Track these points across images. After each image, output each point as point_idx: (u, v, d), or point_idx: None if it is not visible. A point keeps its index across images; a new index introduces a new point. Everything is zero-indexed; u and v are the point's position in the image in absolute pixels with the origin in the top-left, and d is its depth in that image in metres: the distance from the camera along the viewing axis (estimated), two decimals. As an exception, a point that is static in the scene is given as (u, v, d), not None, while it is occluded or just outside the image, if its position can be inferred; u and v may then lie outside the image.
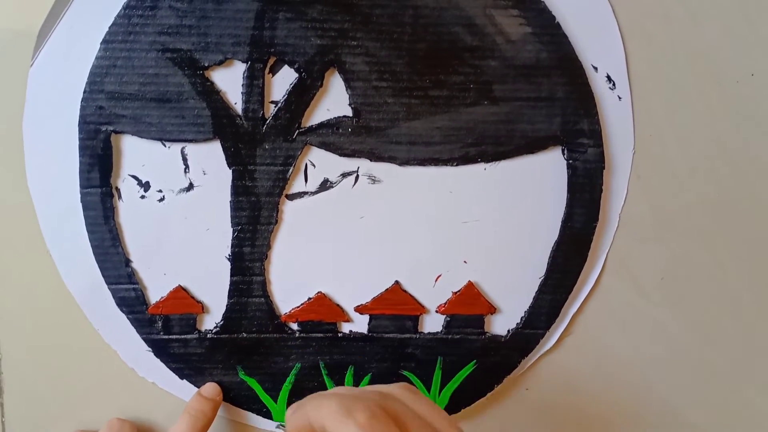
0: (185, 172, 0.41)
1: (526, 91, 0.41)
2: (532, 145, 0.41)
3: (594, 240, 0.43)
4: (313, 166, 0.41)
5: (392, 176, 0.42)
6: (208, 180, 0.41)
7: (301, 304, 0.43)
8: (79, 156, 0.40)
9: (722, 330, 0.45)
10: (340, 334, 0.43)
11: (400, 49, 0.40)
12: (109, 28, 0.38)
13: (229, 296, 0.42)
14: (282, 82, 0.40)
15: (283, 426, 0.43)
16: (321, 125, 0.41)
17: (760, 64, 0.42)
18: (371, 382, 0.43)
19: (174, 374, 0.43)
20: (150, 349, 0.42)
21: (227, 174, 0.41)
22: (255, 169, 0.41)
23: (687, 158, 0.43)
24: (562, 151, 0.42)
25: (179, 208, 0.41)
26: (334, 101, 0.40)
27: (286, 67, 0.40)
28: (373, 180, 0.42)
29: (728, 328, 0.45)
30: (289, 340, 0.43)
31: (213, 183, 0.41)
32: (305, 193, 0.42)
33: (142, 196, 0.41)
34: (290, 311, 0.43)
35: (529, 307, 0.43)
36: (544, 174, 0.42)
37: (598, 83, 0.41)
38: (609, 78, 0.41)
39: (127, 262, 0.41)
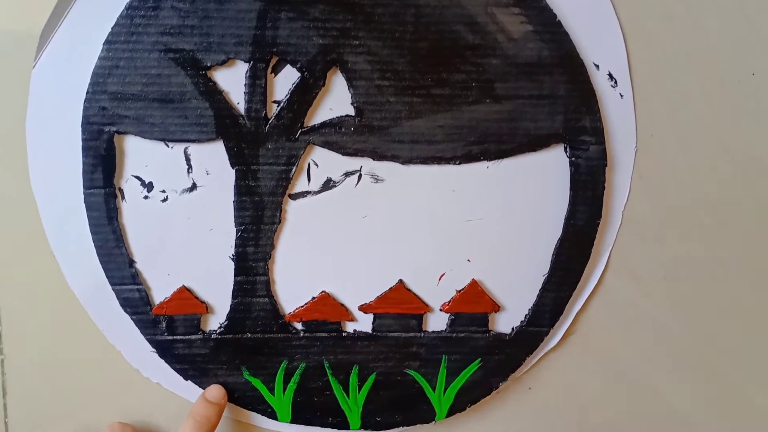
0: (188, 172, 0.41)
1: (528, 89, 0.41)
2: (535, 143, 0.42)
3: (597, 238, 0.43)
4: (316, 165, 0.41)
5: (395, 175, 0.42)
6: (211, 180, 0.41)
7: (305, 304, 0.43)
8: (83, 157, 0.40)
9: (724, 329, 0.45)
10: (344, 334, 0.43)
11: (402, 48, 0.40)
12: (112, 28, 0.38)
13: (233, 296, 0.42)
14: (284, 81, 0.40)
15: None
16: (323, 124, 0.41)
17: (762, 63, 0.42)
18: (376, 382, 0.43)
19: (178, 375, 0.43)
20: (154, 349, 0.42)
21: (230, 174, 0.41)
22: (258, 168, 0.41)
23: (688, 156, 0.43)
24: (565, 148, 0.42)
25: (182, 208, 0.41)
26: (336, 100, 0.40)
27: (288, 66, 0.40)
28: (376, 179, 0.42)
29: (730, 327, 0.45)
30: (293, 340, 0.43)
31: (216, 183, 0.41)
32: (308, 192, 0.42)
33: (146, 197, 0.41)
34: (294, 311, 0.43)
35: (533, 304, 0.43)
36: (547, 172, 0.42)
37: (599, 81, 0.41)
38: (611, 76, 0.41)
39: (131, 262, 0.41)
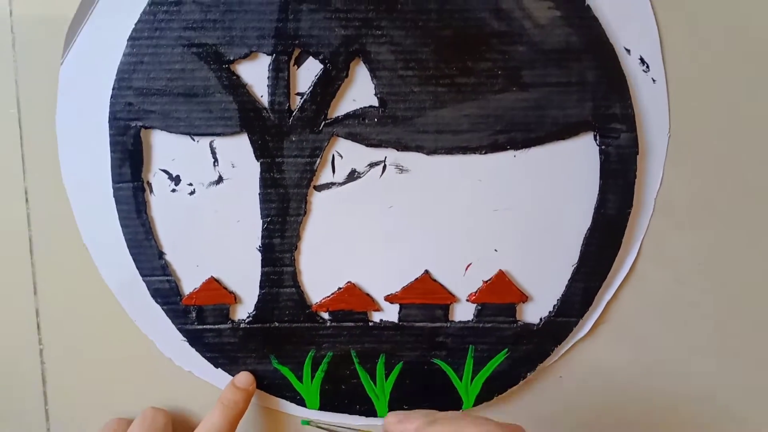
0: (214, 165, 0.41)
1: (556, 76, 0.40)
2: (563, 131, 0.41)
3: (628, 226, 0.42)
4: (341, 156, 0.41)
5: (420, 165, 0.41)
6: (237, 173, 0.41)
7: (332, 294, 0.43)
8: (111, 152, 0.40)
9: (762, 315, 0.44)
10: (370, 323, 0.43)
11: (426, 36, 0.39)
12: (135, 25, 0.39)
13: (261, 287, 0.43)
14: (307, 73, 0.40)
15: (308, 423, 0.43)
16: (347, 116, 0.40)
17: (805, 39, 0.40)
18: (402, 370, 0.43)
19: (209, 363, 0.44)
20: (185, 338, 0.43)
21: (255, 166, 0.41)
22: (282, 161, 0.41)
23: (724, 141, 0.42)
24: (594, 136, 0.41)
25: (209, 201, 0.41)
26: (359, 91, 0.40)
27: (311, 58, 0.40)
28: (401, 170, 0.41)
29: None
30: (320, 329, 0.43)
31: (242, 176, 0.41)
32: (333, 184, 0.42)
33: (173, 190, 0.41)
34: (321, 301, 0.43)
35: (562, 295, 0.43)
36: (576, 160, 0.41)
37: (630, 66, 0.40)
38: (642, 60, 0.40)
39: (161, 254, 0.42)
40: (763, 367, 0.45)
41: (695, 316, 0.44)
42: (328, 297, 0.43)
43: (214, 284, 0.43)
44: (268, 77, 0.40)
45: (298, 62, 0.40)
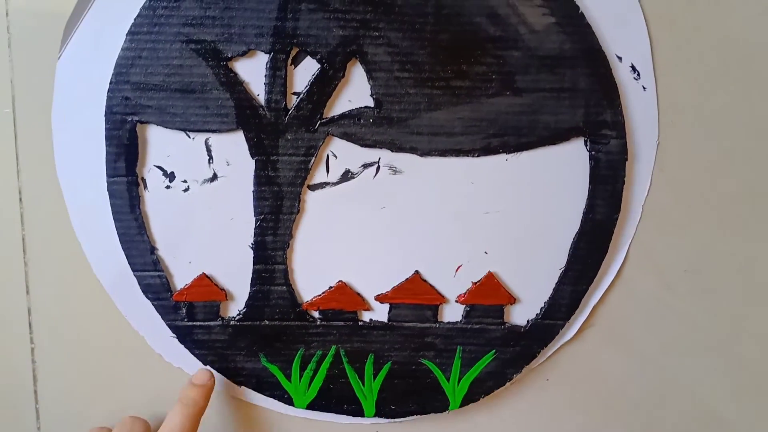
0: (209, 162, 0.41)
1: (549, 81, 0.40)
2: (555, 137, 0.41)
3: (616, 231, 0.43)
4: (335, 156, 0.42)
5: (413, 167, 0.42)
6: (231, 170, 0.41)
7: (323, 293, 0.43)
8: (106, 146, 0.40)
9: (749, 321, 0.45)
10: (360, 323, 0.44)
11: (423, 39, 0.40)
12: (135, 19, 0.39)
13: (252, 284, 0.43)
14: (304, 73, 0.40)
15: None
16: (343, 116, 0.41)
17: (790, 54, 0.42)
18: (391, 370, 0.44)
19: (198, 360, 0.44)
20: (174, 335, 0.43)
21: (250, 164, 0.41)
22: (277, 159, 0.41)
23: (713, 149, 0.43)
24: (585, 142, 0.41)
25: (203, 197, 0.42)
26: (355, 92, 0.41)
27: (308, 58, 0.40)
28: (395, 171, 0.42)
29: (755, 319, 0.45)
30: (310, 328, 0.43)
31: (236, 173, 0.41)
32: (327, 183, 0.42)
33: (168, 186, 0.41)
34: (312, 299, 0.43)
35: (549, 297, 0.43)
36: (566, 165, 0.42)
37: (622, 73, 0.41)
38: (633, 68, 0.41)
39: (153, 249, 0.42)
40: (749, 370, 0.46)
41: (681, 320, 0.45)
42: (319, 296, 0.43)
43: (205, 281, 0.43)
44: (266, 75, 0.40)
45: (296, 61, 0.40)
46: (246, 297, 0.43)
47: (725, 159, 0.43)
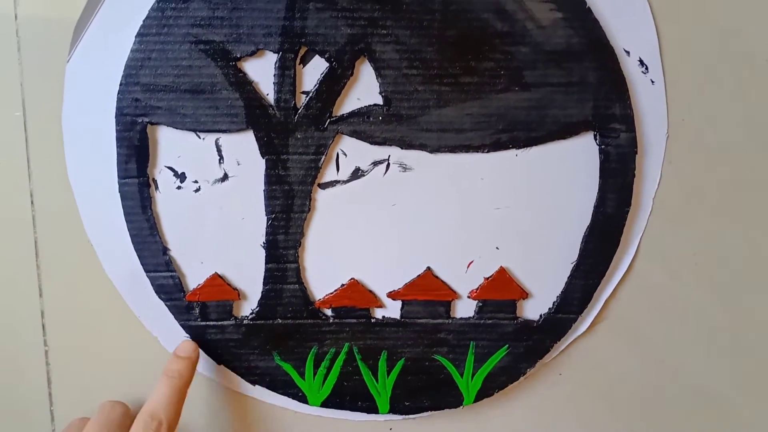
0: (220, 162, 0.41)
1: (557, 76, 0.40)
2: (564, 131, 0.41)
3: (627, 225, 0.43)
4: (345, 154, 0.42)
5: (423, 164, 0.42)
6: (242, 170, 0.41)
7: (335, 291, 0.43)
8: (117, 147, 0.41)
9: (758, 311, 0.45)
10: (373, 320, 0.44)
11: (430, 36, 0.40)
12: (144, 21, 0.39)
13: (265, 283, 0.43)
14: (313, 71, 0.40)
15: None
16: (352, 114, 0.41)
17: (797, 45, 0.42)
18: (404, 367, 0.44)
19: (212, 359, 0.44)
20: (188, 335, 0.43)
21: (261, 163, 0.41)
22: (288, 158, 0.41)
23: (721, 141, 0.43)
24: (594, 136, 0.41)
25: (214, 197, 0.42)
26: (364, 90, 0.41)
27: (317, 56, 0.40)
28: (405, 168, 0.42)
29: (763, 310, 0.45)
30: (323, 326, 0.44)
31: (247, 173, 0.41)
32: (337, 181, 0.42)
33: (179, 187, 0.42)
34: (324, 297, 0.43)
35: (561, 292, 0.43)
36: (576, 159, 0.42)
37: (630, 67, 0.41)
38: (641, 62, 0.41)
39: (165, 250, 0.42)
40: (760, 364, 0.46)
41: (692, 313, 0.45)
42: (332, 294, 0.43)
43: (218, 280, 0.43)
44: (275, 75, 0.40)
45: (304, 60, 0.40)
46: (258, 296, 0.43)
47: (735, 151, 0.43)
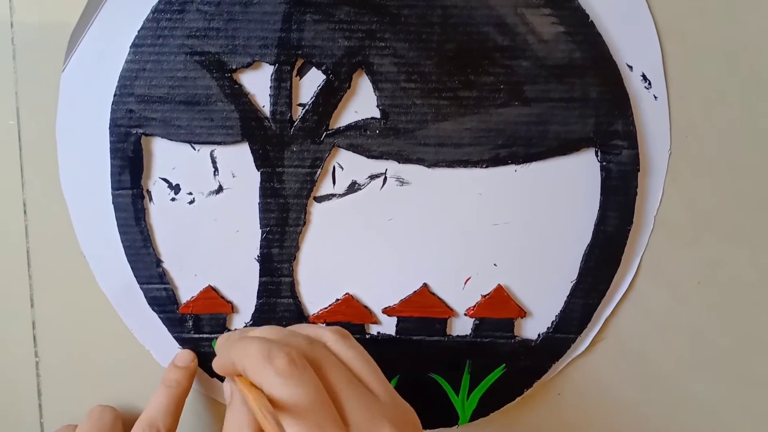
0: (214, 174, 0.41)
1: (558, 91, 0.40)
2: (565, 147, 0.41)
3: (628, 243, 0.42)
4: (341, 168, 0.41)
5: (421, 178, 0.41)
6: (237, 182, 0.41)
7: (329, 306, 0.43)
8: (111, 158, 0.40)
9: (761, 335, 0.44)
10: (367, 336, 0.43)
11: (429, 49, 0.39)
12: (138, 32, 0.39)
13: (258, 296, 0.42)
14: (309, 84, 0.40)
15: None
16: (349, 127, 0.40)
17: (803, 60, 0.41)
18: (399, 385, 0.43)
19: (205, 373, 0.43)
20: (181, 347, 0.43)
21: (256, 176, 0.41)
22: (283, 171, 0.41)
23: (725, 159, 0.42)
24: (596, 152, 0.41)
25: (209, 210, 0.41)
26: (361, 103, 0.40)
27: (313, 69, 0.39)
28: (402, 182, 0.41)
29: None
30: (317, 341, 0.43)
31: (242, 185, 0.41)
32: (333, 195, 0.41)
33: (173, 199, 0.41)
34: (318, 312, 0.43)
35: (561, 311, 0.43)
36: (577, 176, 0.41)
37: (633, 83, 0.40)
38: (644, 77, 0.40)
39: (158, 262, 0.42)
40: (762, 386, 0.45)
41: (694, 335, 0.44)
42: (326, 308, 0.43)
43: (211, 293, 0.42)
44: (271, 87, 0.40)
45: (301, 72, 0.40)
46: (252, 309, 0.43)
47: (739, 169, 0.42)
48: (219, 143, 0.40)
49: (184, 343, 0.43)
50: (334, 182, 0.41)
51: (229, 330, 0.43)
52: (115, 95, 0.39)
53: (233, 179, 0.41)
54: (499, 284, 0.42)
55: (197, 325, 0.43)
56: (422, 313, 0.43)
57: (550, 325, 0.43)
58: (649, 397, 0.45)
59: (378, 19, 0.39)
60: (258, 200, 0.41)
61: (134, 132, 0.40)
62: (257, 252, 0.42)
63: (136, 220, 0.41)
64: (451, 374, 0.43)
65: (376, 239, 0.42)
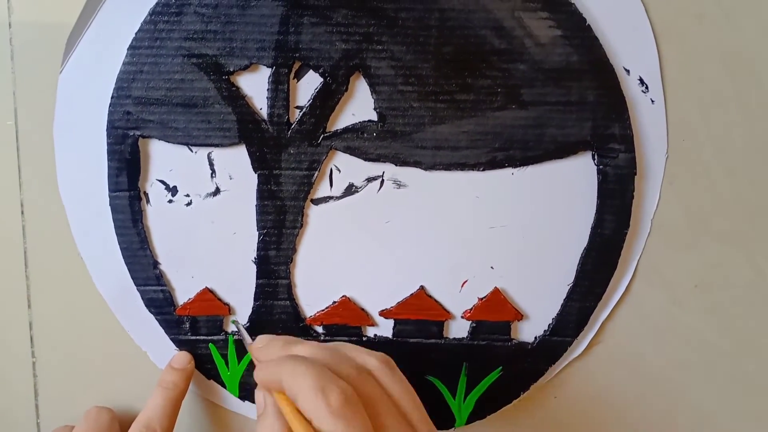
0: (212, 176, 0.41)
1: (555, 95, 0.40)
2: (562, 150, 0.41)
3: (624, 247, 0.42)
4: (338, 170, 0.41)
5: (418, 181, 0.41)
6: (234, 184, 0.41)
7: (326, 308, 0.43)
8: (108, 160, 0.40)
9: (758, 337, 0.44)
10: (364, 338, 0.43)
11: (426, 52, 0.39)
12: (136, 34, 0.39)
13: (255, 299, 0.42)
14: (307, 86, 0.40)
15: (236, 322, 0.42)
16: (346, 130, 0.40)
17: (801, 64, 0.41)
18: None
19: (202, 374, 0.43)
20: (178, 349, 0.43)
21: (253, 178, 0.41)
22: (280, 173, 0.41)
23: (722, 163, 0.42)
24: (593, 156, 0.41)
25: (206, 212, 0.41)
26: (359, 106, 0.40)
27: (311, 71, 0.40)
28: (399, 185, 0.41)
29: (765, 336, 0.44)
30: (314, 344, 0.43)
31: (239, 187, 0.41)
32: (330, 197, 0.41)
33: (170, 201, 0.41)
34: (315, 314, 0.43)
35: (557, 314, 0.43)
36: (574, 179, 0.41)
37: (630, 86, 0.40)
38: (642, 81, 0.40)
39: (156, 264, 0.42)
40: (759, 389, 0.45)
41: (691, 338, 0.44)
42: (323, 311, 0.43)
43: (208, 295, 0.42)
44: (268, 89, 0.40)
45: (298, 75, 0.40)
46: (249, 312, 0.43)
47: (736, 172, 0.42)
48: (216, 145, 0.40)
49: (180, 344, 0.43)
50: (331, 185, 0.41)
51: (225, 332, 0.43)
52: (112, 97, 0.39)
53: (230, 181, 0.41)
54: (495, 287, 0.42)
55: (194, 326, 0.43)
56: (419, 316, 0.43)
57: (546, 328, 0.43)
58: (645, 400, 0.45)
59: (375, 22, 0.39)
60: (255, 202, 0.41)
61: (131, 134, 0.40)
62: (254, 254, 0.42)
63: (134, 221, 0.41)
64: (448, 377, 0.43)
65: (373, 242, 0.42)
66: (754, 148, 0.42)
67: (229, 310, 0.43)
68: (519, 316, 0.43)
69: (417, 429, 0.32)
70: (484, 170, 0.41)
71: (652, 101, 0.40)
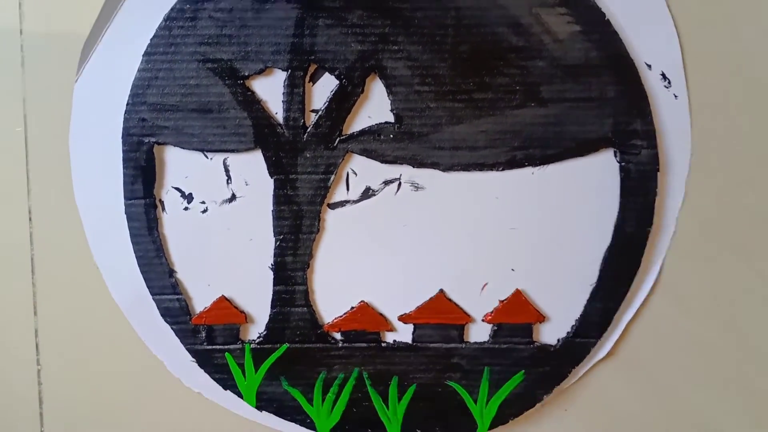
0: (228, 183, 0.40)
1: (575, 91, 0.39)
2: (582, 148, 0.40)
3: (648, 245, 0.41)
4: (355, 174, 0.41)
5: (436, 182, 0.41)
6: (250, 190, 0.41)
7: (344, 314, 0.42)
8: (123, 168, 0.40)
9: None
10: (383, 344, 0.42)
11: (443, 51, 0.39)
12: (151, 40, 0.39)
13: (272, 306, 0.42)
14: (322, 89, 0.39)
15: None
16: (362, 132, 0.40)
17: (825, 56, 0.40)
18: (416, 393, 0.42)
19: (218, 385, 0.43)
20: (194, 359, 0.42)
21: (269, 183, 0.40)
22: (296, 177, 0.40)
23: (748, 159, 0.41)
24: (614, 153, 0.40)
25: (222, 219, 0.41)
26: (375, 107, 0.40)
27: (326, 74, 0.39)
28: (416, 187, 0.41)
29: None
30: (332, 350, 0.42)
31: (255, 193, 0.41)
32: (347, 201, 0.41)
33: (186, 208, 0.41)
34: (333, 321, 0.42)
35: (580, 315, 0.42)
36: (595, 177, 0.40)
37: (652, 81, 0.39)
38: (664, 76, 0.39)
39: (171, 272, 0.41)
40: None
41: (717, 337, 0.43)
42: (341, 317, 0.42)
43: (224, 303, 0.42)
44: (283, 93, 0.39)
45: (314, 78, 0.39)
46: (266, 319, 0.42)
47: (763, 169, 0.41)
48: (232, 151, 0.40)
49: (196, 354, 0.42)
50: (347, 188, 0.41)
51: (242, 341, 0.42)
52: (127, 104, 0.39)
53: (246, 187, 0.41)
54: (516, 289, 0.42)
55: (210, 336, 0.42)
56: (439, 320, 0.42)
57: (569, 330, 0.42)
58: (668, 404, 0.44)
59: (391, 22, 0.38)
60: (271, 208, 0.41)
61: (147, 141, 0.40)
62: (271, 260, 0.41)
63: (149, 229, 0.41)
64: (469, 382, 0.43)
65: (390, 245, 0.41)
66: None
67: (245, 318, 0.42)
68: (541, 318, 0.42)
69: None
70: (503, 170, 0.40)
71: (675, 96, 0.40)
